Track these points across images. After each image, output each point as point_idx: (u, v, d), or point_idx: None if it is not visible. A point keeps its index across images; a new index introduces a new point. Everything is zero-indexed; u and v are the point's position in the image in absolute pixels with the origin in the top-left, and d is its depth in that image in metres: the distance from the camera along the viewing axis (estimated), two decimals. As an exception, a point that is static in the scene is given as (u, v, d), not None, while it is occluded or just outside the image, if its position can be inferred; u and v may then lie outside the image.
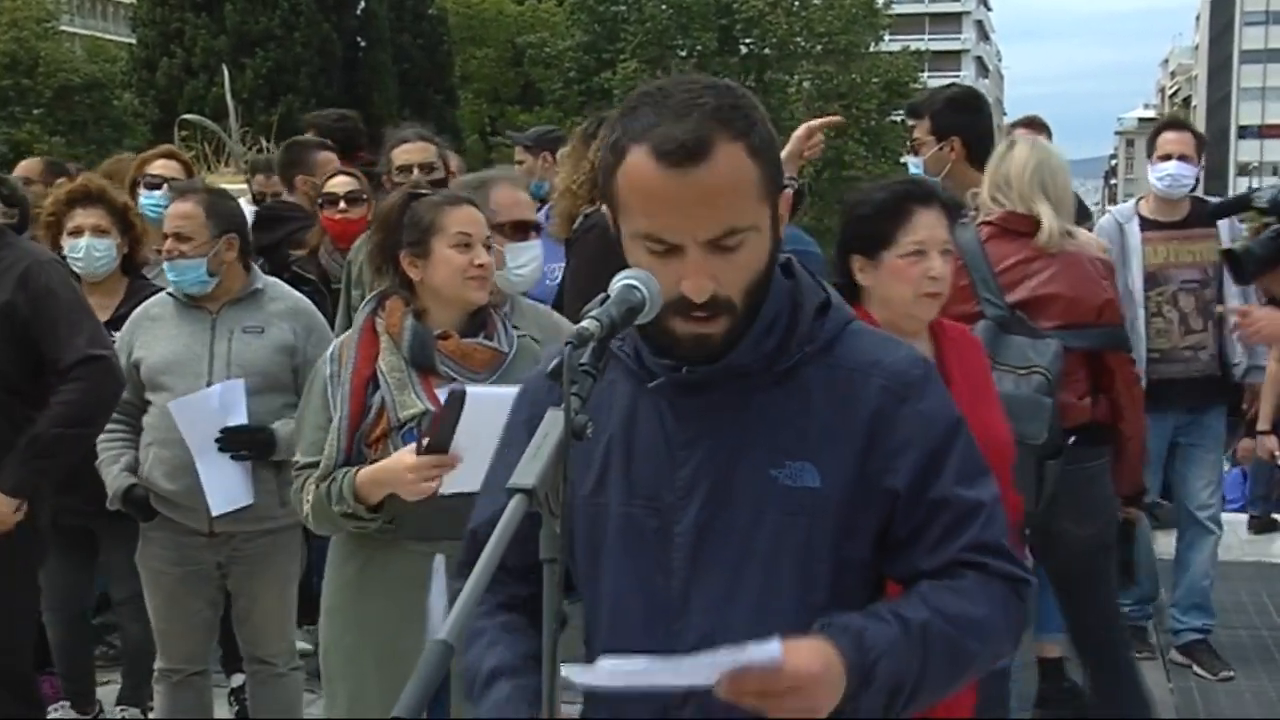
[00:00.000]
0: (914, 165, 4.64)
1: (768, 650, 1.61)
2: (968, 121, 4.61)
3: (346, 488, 3.11)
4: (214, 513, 4.00)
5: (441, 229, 3.21)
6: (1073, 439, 4.00)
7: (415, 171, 4.76)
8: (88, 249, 4.62)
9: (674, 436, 1.85)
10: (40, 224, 4.74)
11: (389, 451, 3.15)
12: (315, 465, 3.21)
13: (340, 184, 5.46)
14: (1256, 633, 6.18)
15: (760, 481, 1.82)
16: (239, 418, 4.00)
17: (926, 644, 1.76)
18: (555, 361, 1.61)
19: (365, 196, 5.36)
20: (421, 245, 3.21)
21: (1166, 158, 5.49)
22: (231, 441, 3.99)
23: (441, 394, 3.13)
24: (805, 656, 1.66)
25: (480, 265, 3.21)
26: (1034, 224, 4.05)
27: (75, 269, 4.56)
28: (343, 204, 5.40)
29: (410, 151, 4.82)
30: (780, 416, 1.83)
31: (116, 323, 4.56)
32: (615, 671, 1.62)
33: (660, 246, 1.76)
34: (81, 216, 4.64)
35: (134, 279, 4.80)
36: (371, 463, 3.15)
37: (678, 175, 1.73)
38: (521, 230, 3.63)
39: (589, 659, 1.68)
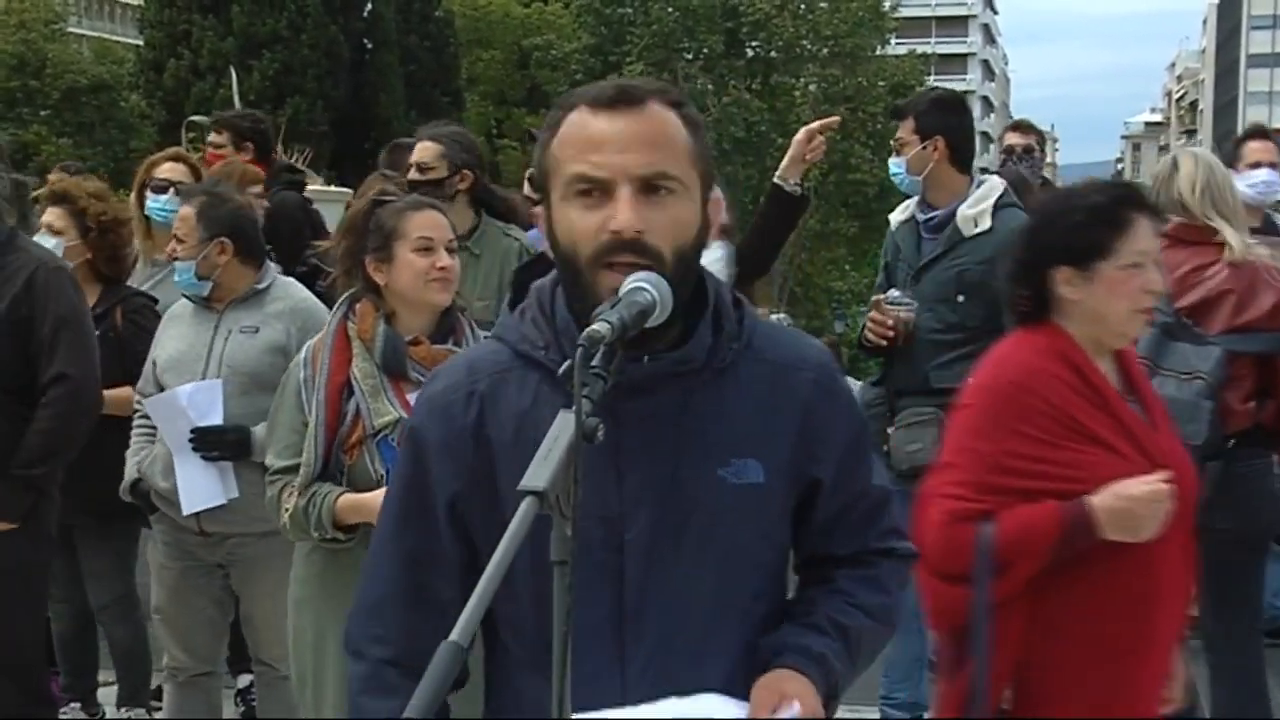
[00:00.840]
0: (896, 166, 4.63)
1: (791, 713, 1.77)
2: (954, 123, 4.64)
3: (326, 514, 3.18)
4: (184, 511, 4.04)
5: (404, 234, 3.28)
6: (1232, 442, 4.05)
7: (412, 171, 4.77)
8: None
9: (616, 444, 1.79)
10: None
11: (365, 459, 3.21)
12: (290, 470, 3.26)
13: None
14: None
15: (709, 482, 1.83)
16: (214, 418, 4.01)
17: (858, 645, 1.92)
18: (566, 364, 1.62)
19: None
20: (385, 250, 3.28)
21: (1256, 165, 5.57)
22: (203, 441, 4.00)
23: (413, 399, 3.18)
24: (810, 704, 1.81)
25: (442, 268, 3.30)
26: (1207, 232, 4.14)
27: None
28: None
29: (416, 151, 4.85)
30: (721, 415, 1.85)
31: (95, 322, 4.59)
32: None
33: (590, 187, 1.78)
34: (46, 215, 4.82)
35: (109, 284, 4.84)
36: (349, 468, 3.23)
37: (611, 116, 1.80)
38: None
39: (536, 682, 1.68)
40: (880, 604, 1.96)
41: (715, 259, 3.05)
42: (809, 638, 1.87)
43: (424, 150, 4.84)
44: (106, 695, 5.12)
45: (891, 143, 4.70)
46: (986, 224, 4.43)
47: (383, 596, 1.96)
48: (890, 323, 4.43)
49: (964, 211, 4.47)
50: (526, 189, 6.12)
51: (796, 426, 1.89)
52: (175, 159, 5.76)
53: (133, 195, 5.48)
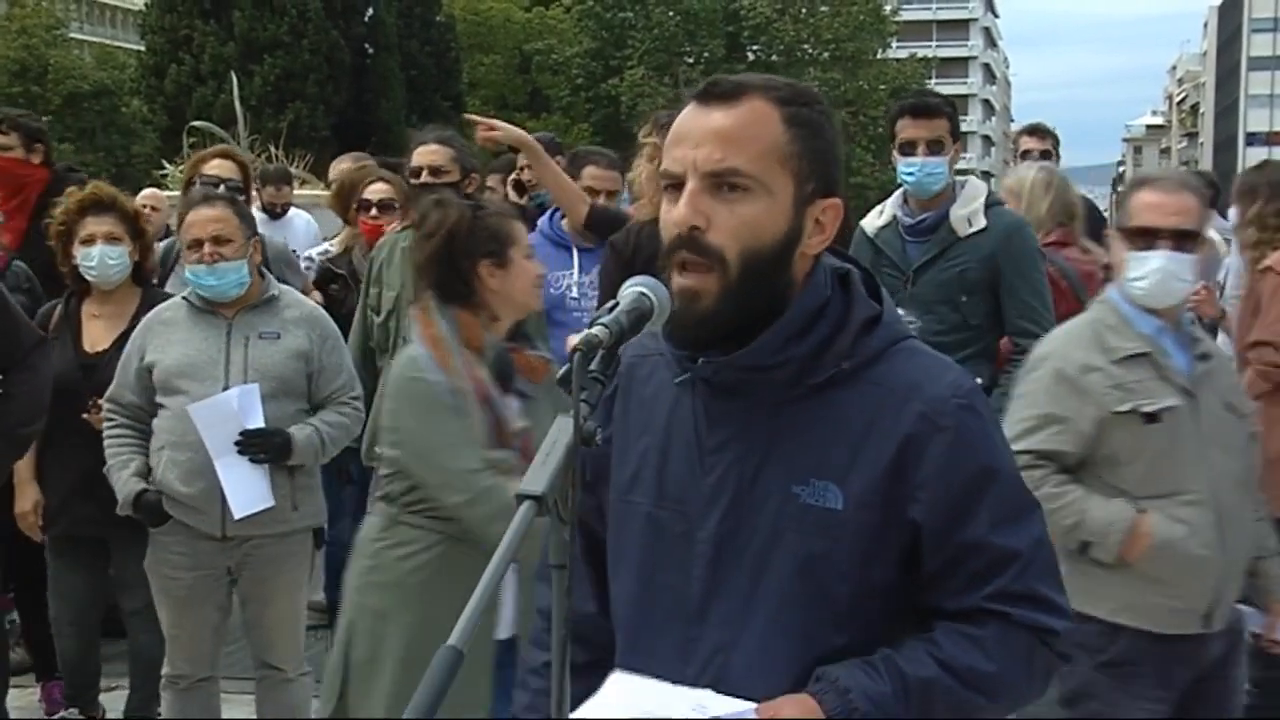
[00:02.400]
0: (939, 166, 4.46)
1: (741, 711, 1.68)
2: None
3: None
4: (236, 515, 4.02)
5: (516, 239, 3.32)
6: None
7: (424, 174, 4.75)
8: (101, 256, 4.57)
9: (705, 440, 1.83)
10: (51, 233, 4.71)
11: None
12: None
13: (376, 191, 5.74)
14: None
15: (782, 496, 1.78)
16: (256, 421, 4.03)
17: (927, 701, 1.76)
18: (564, 369, 1.61)
19: (397, 204, 5.68)
20: (501, 255, 3.28)
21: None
22: (250, 445, 4.02)
23: (509, 406, 3.25)
24: (784, 714, 1.71)
25: (540, 274, 3.38)
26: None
27: (89, 277, 4.58)
28: (374, 210, 5.69)
29: (422, 154, 4.81)
30: (809, 431, 1.78)
31: None
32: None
33: (669, 182, 1.77)
34: (94, 224, 4.58)
35: (147, 287, 4.77)
36: None
37: (701, 110, 1.77)
38: (1144, 237, 3.26)
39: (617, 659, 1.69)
40: (970, 667, 1.76)
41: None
42: (846, 670, 1.75)
43: (435, 154, 4.77)
44: (107, 700, 5.11)
45: (922, 142, 4.47)
46: (981, 223, 4.42)
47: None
48: None
49: (957, 212, 4.44)
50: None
51: (890, 460, 1.76)
52: (223, 155, 5.69)
53: (181, 190, 5.50)
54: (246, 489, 4.02)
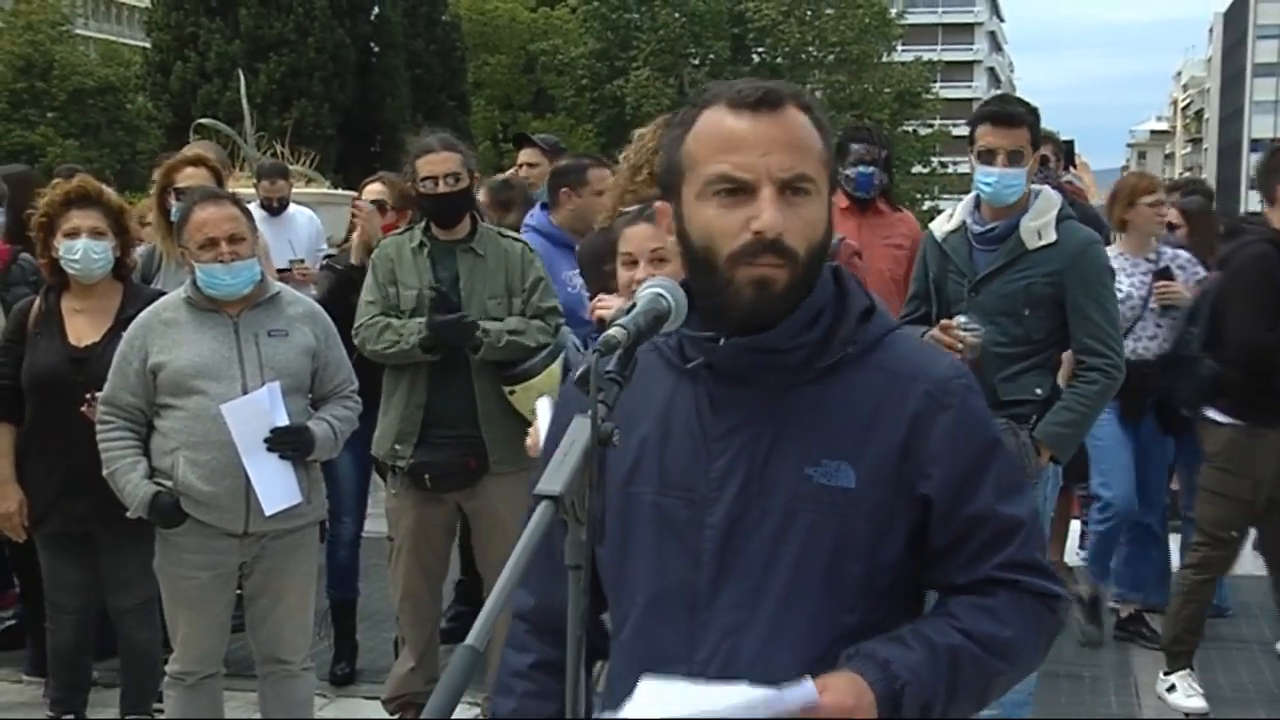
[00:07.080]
0: (1016, 178, 4.34)
1: (803, 691, 1.67)
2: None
3: None
4: (268, 512, 4.06)
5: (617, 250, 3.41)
6: None
7: (441, 184, 4.68)
8: (85, 250, 4.54)
9: (711, 427, 1.86)
10: (33, 224, 4.66)
11: None
12: None
13: (372, 192, 5.82)
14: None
15: (795, 478, 1.82)
16: (283, 419, 4.08)
17: (955, 667, 1.80)
18: (582, 369, 1.62)
19: (392, 205, 5.82)
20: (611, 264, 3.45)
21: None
22: (281, 442, 4.05)
23: None
24: (838, 692, 1.72)
25: (639, 281, 3.41)
26: None
27: (70, 270, 4.56)
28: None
29: (434, 163, 4.70)
30: (819, 414, 1.84)
31: (126, 325, 4.57)
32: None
33: (731, 187, 1.80)
34: (79, 218, 4.55)
35: (128, 282, 4.75)
36: None
37: (754, 117, 1.82)
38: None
39: (613, 653, 1.66)
40: (989, 634, 1.83)
41: None
42: (878, 644, 1.79)
43: (448, 161, 4.65)
44: (103, 697, 5.09)
45: (1003, 152, 4.36)
46: (1051, 236, 4.33)
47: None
48: (959, 346, 4.28)
49: (1027, 224, 4.36)
50: (484, 195, 6.04)
51: (900, 438, 1.83)
52: (195, 163, 5.64)
53: (154, 198, 5.46)
54: (276, 486, 4.08)
